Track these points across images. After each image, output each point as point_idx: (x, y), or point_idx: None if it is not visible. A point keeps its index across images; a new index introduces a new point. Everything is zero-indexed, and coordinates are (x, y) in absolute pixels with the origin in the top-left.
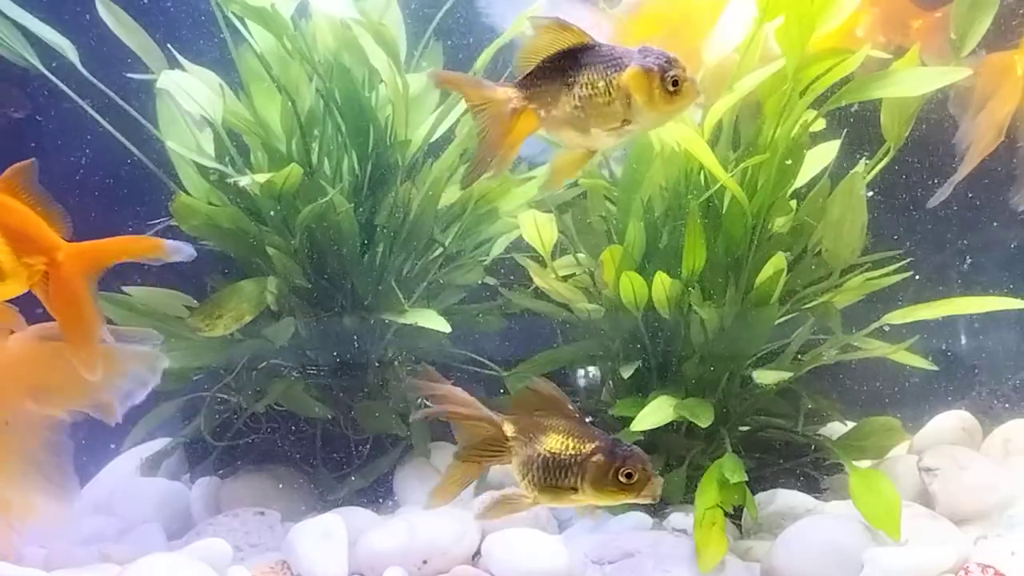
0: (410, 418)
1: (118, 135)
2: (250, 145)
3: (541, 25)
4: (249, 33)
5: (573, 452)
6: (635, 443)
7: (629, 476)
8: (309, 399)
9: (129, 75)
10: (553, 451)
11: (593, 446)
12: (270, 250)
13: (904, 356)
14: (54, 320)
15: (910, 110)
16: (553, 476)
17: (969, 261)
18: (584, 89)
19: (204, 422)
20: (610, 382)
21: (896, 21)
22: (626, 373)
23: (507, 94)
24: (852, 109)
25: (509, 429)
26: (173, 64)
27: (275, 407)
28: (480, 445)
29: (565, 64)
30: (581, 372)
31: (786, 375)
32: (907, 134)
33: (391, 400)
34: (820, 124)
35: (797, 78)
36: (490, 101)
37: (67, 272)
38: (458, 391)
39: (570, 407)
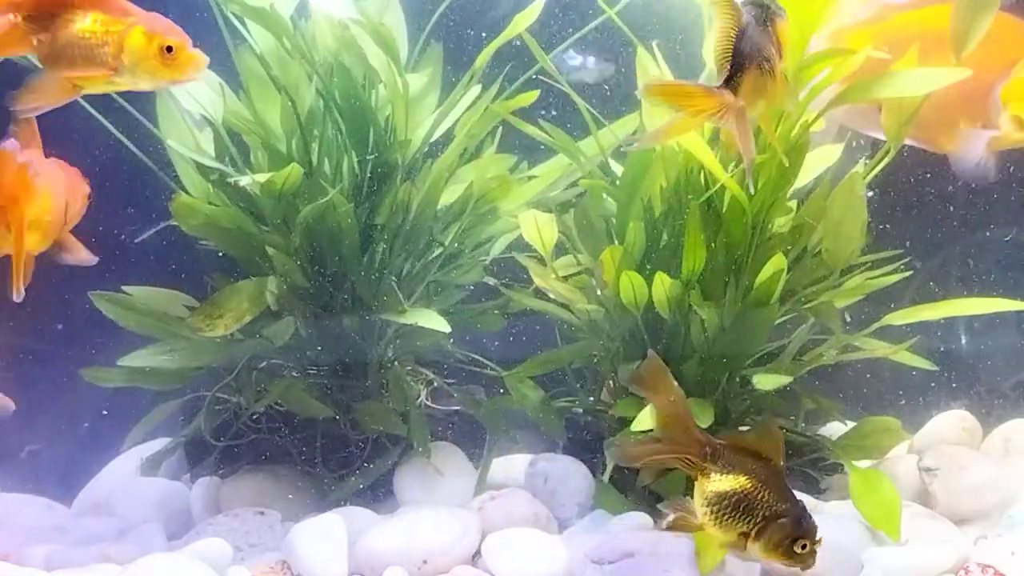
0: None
1: (118, 134)
2: (250, 145)
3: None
4: (249, 33)
5: (764, 504)
6: None
7: (803, 548)
8: (309, 399)
9: None
10: (747, 495)
11: (784, 507)
12: (270, 250)
13: (904, 356)
14: None
15: (910, 110)
16: (735, 518)
17: (970, 261)
18: (773, 63)
19: (204, 422)
20: (610, 382)
21: None
22: (626, 373)
23: (732, 95)
24: None
25: (709, 452)
26: None
27: (275, 407)
28: (676, 448)
29: (752, 49)
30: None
31: (786, 379)
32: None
33: (391, 400)
34: (820, 124)
35: (797, 78)
36: (725, 106)
37: None
38: (680, 395)
39: (780, 460)
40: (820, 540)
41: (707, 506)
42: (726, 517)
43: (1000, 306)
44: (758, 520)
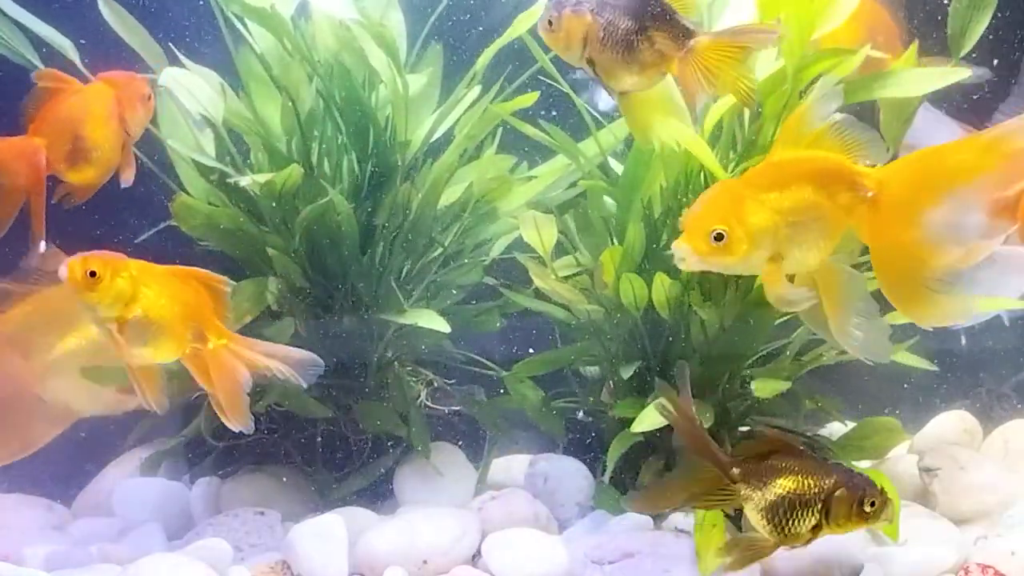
0: None
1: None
2: (250, 145)
3: None
4: (249, 33)
5: (815, 490)
6: (635, 444)
7: (872, 504)
8: (309, 399)
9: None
10: (794, 492)
11: (833, 481)
12: (270, 250)
13: (904, 356)
14: None
15: (910, 110)
16: (798, 517)
17: None
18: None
19: (204, 422)
20: (610, 382)
21: None
22: (626, 374)
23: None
24: None
25: (736, 473)
26: (174, 64)
27: (275, 407)
28: (707, 492)
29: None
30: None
31: (785, 385)
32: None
33: (391, 400)
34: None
35: (797, 78)
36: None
37: None
38: (696, 423)
39: (799, 445)
40: (883, 490)
41: (769, 523)
42: (792, 521)
43: (1000, 306)
44: (819, 507)
